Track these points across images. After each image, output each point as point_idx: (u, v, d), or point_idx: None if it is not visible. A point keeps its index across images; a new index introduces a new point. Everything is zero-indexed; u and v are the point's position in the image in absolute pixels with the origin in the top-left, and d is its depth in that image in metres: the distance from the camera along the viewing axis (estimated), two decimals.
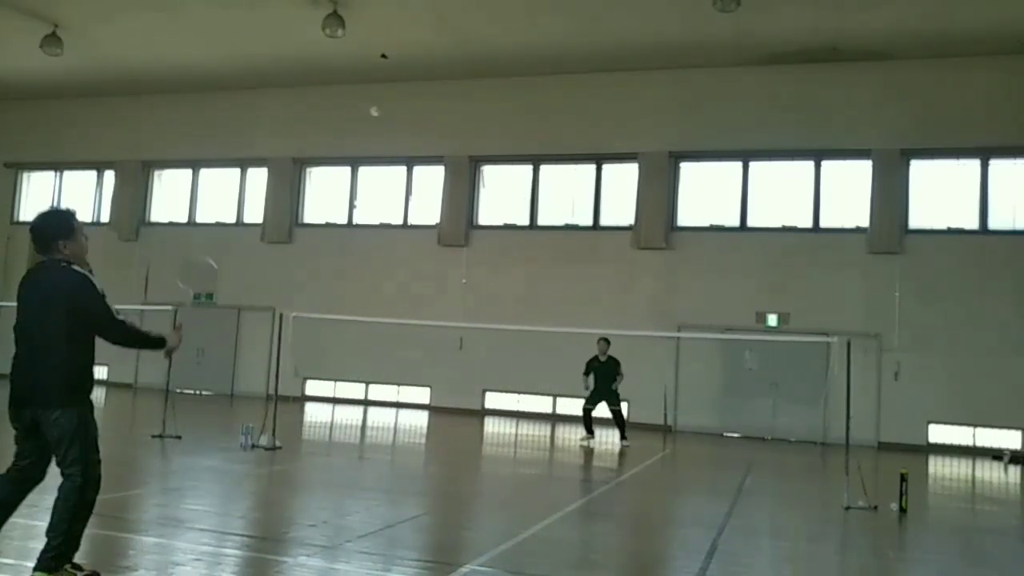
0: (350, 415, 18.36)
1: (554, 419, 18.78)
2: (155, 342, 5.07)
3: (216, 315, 21.62)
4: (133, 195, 22.98)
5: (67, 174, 24.42)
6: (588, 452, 13.90)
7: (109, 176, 23.60)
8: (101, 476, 4.81)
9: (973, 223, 17.39)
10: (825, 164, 18.28)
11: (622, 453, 13.85)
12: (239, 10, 17.55)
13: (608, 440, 14.94)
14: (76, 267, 4.83)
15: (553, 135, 19.67)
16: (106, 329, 4.82)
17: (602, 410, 14.70)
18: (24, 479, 4.82)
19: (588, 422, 14.76)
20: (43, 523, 4.58)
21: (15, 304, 4.88)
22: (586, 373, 14.75)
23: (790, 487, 11.74)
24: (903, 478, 8.93)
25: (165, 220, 23.18)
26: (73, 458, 4.67)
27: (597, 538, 7.52)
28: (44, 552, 4.62)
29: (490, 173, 20.75)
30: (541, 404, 19.05)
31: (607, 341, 14.72)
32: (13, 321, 4.83)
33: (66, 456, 4.69)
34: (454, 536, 7.21)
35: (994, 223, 17.29)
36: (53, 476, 4.71)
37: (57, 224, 4.87)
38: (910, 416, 16.99)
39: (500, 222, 20.33)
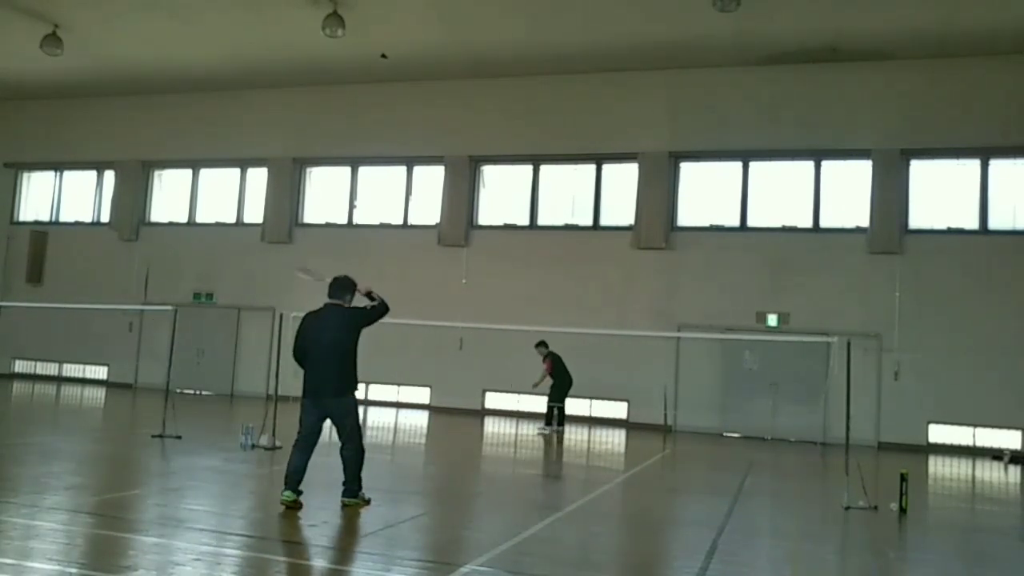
0: None
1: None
2: (383, 303, 7.81)
3: (216, 315, 21.66)
4: (133, 195, 22.97)
5: (67, 174, 24.41)
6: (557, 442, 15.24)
7: (109, 176, 23.60)
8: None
9: (973, 223, 17.38)
10: (825, 164, 18.27)
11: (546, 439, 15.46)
12: (239, 10, 17.55)
13: (607, 439, 14.93)
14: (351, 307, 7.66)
15: (553, 135, 19.66)
16: (372, 322, 7.64)
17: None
18: (311, 448, 7.40)
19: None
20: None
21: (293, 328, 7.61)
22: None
23: (790, 487, 11.73)
24: (903, 478, 8.93)
25: (165, 220, 23.17)
26: (355, 428, 7.40)
27: (597, 538, 7.51)
28: (348, 488, 7.39)
29: (490, 173, 20.74)
30: (541, 404, 18.99)
31: (545, 344, 16.71)
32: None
33: (350, 427, 7.36)
34: (454, 536, 7.20)
35: (994, 223, 17.28)
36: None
37: (353, 285, 7.76)
38: (910, 416, 16.98)
39: (500, 222, 20.33)
